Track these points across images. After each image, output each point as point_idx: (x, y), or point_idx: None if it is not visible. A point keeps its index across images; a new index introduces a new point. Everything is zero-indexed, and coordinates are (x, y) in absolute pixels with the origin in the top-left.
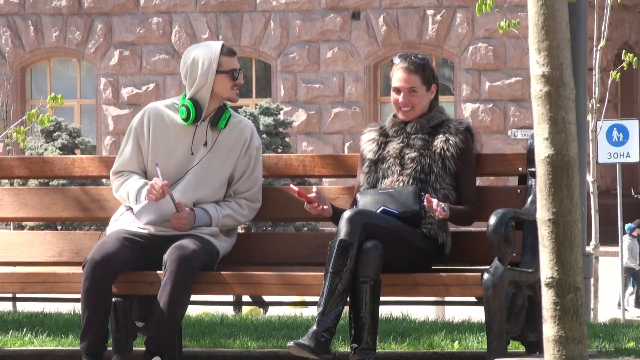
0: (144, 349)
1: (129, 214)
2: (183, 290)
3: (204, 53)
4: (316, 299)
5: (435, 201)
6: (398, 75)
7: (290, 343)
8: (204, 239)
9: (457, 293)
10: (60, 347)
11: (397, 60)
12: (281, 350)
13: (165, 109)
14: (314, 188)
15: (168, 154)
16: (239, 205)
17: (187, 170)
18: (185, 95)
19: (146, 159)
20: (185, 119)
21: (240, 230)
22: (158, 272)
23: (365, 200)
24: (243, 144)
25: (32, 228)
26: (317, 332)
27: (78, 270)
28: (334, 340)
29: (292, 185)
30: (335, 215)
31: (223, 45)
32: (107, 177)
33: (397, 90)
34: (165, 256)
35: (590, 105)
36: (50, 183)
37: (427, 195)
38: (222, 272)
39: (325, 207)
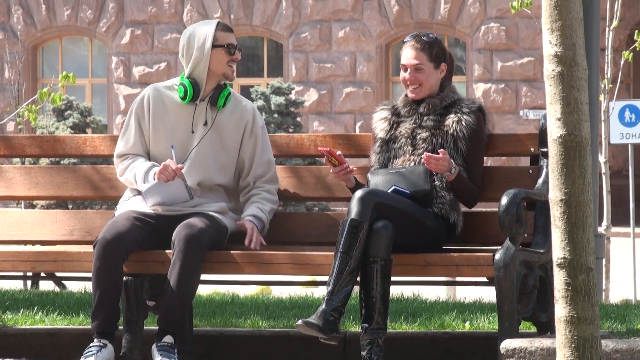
0: (156, 327)
1: (135, 198)
2: (192, 269)
3: (200, 29)
4: (327, 278)
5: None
6: (406, 52)
7: (299, 322)
8: (212, 217)
9: (469, 273)
10: (71, 326)
11: (407, 38)
12: (292, 329)
13: (164, 89)
14: (339, 152)
15: (169, 135)
16: (269, 192)
17: (189, 150)
18: (184, 75)
19: (148, 140)
20: (183, 98)
21: None
22: (167, 251)
23: (376, 180)
24: (245, 125)
25: (43, 207)
26: (325, 312)
27: (89, 249)
28: (343, 320)
29: (320, 148)
30: (356, 187)
31: (219, 21)
32: None
33: (405, 68)
34: (174, 235)
35: (602, 86)
36: (62, 162)
37: (441, 150)
38: (232, 252)
39: (354, 168)
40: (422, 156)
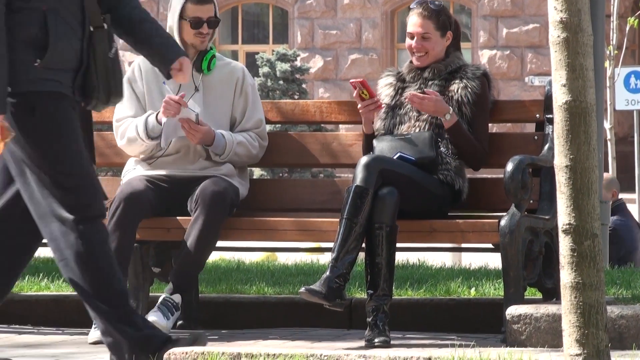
0: (160, 295)
1: (141, 166)
2: (215, 225)
3: (173, 0)
4: (332, 245)
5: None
6: (412, 20)
7: (302, 289)
8: (226, 180)
9: (474, 239)
10: (75, 292)
11: (413, 5)
12: (297, 296)
13: None
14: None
15: (162, 99)
16: (250, 136)
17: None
18: None
19: (144, 104)
20: None
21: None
22: (179, 218)
23: (381, 146)
24: (235, 84)
25: None
26: (329, 278)
27: None
28: (349, 286)
29: (352, 80)
30: (368, 138)
31: None
32: None
33: (411, 36)
34: (197, 193)
35: (607, 52)
36: None
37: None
38: (238, 218)
39: (383, 104)
40: (406, 95)
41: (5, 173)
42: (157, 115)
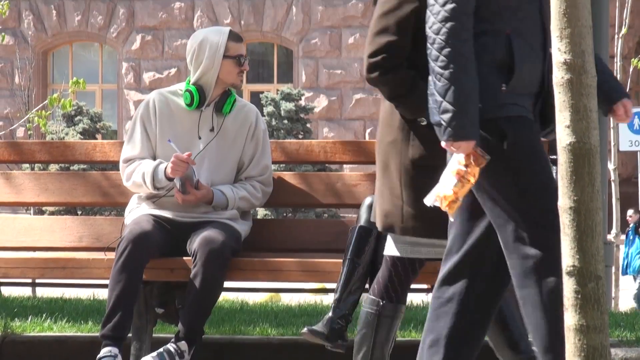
0: (164, 335)
1: (145, 204)
2: (216, 282)
3: (211, 37)
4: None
5: None
6: None
7: (304, 330)
8: (227, 225)
9: None
10: (79, 333)
11: None
12: (300, 337)
13: (169, 95)
14: None
15: (175, 140)
16: (254, 187)
17: (195, 156)
18: (189, 81)
19: (155, 145)
20: (189, 104)
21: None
22: (183, 258)
23: None
24: (249, 128)
25: (52, 213)
26: (332, 319)
27: (98, 255)
28: (353, 328)
29: None
30: None
31: (230, 30)
32: None
33: None
34: (195, 246)
35: None
36: (71, 168)
37: None
38: (241, 259)
39: None
40: None
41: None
42: (166, 168)
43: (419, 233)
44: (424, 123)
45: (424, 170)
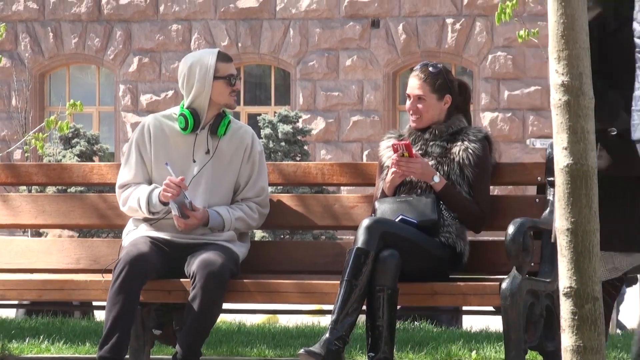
0: (161, 356)
1: (143, 225)
2: (214, 304)
3: (200, 60)
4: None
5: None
6: (411, 82)
7: (301, 351)
8: (225, 247)
9: (475, 302)
10: (77, 355)
11: (416, 67)
12: (298, 359)
13: (164, 119)
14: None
15: (171, 164)
16: (250, 208)
17: (190, 179)
18: (184, 105)
19: (150, 169)
20: (184, 128)
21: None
22: (182, 280)
23: (383, 208)
24: (245, 150)
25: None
26: (329, 340)
27: (95, 277)
28: (349, 349)
29: (395, 143)
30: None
31: (219, 51)
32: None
33: (409, 97)
34: (193, 268)
35: None
36: (68, 190)
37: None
38: (239, 280)
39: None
40: (392, 158)
41: None
42: (160, 193)
43: (613, 247)
44: (614, 133)
45: (612, 180)
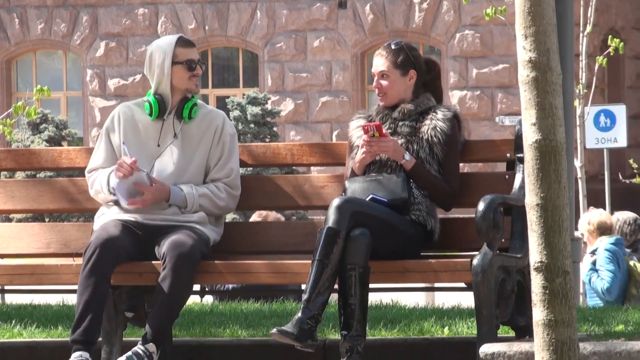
0: (134, 339)
1: (115, 208)
2: (184, 285)
3: (160, 47)
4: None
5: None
6: (374, 61)
7: (274, 330)
8: (196, 229)
9: (447, 279)
10: (49, 339)
11: (379, 48)
12: (271, 338)
13: (134, 107)
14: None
15: (139, 151)
16: (217, 187)
17: (152, 162)
18: (150, 92)
19: (119, 156)
20: (150, 114)
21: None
22: (154, 262)
23: (354, 188)
24: (214, 132)
25: (19, 220)
26: (301, 320)
27: (66, 261)
28: (322, 327)
29: (366, 124)
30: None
31: (180, 36)
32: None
33: (374, 75)
34: (164, 250)
35: (577, 91)
36: (38, 175)
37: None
38: (211, 262)
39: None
40: (362, 139)
41: None
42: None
43: None
44: None
45: None
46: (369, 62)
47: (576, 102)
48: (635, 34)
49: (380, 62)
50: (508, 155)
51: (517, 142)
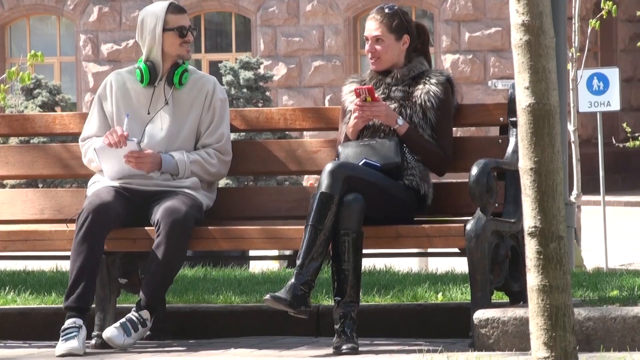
0: (128, 305)
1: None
2: (179, 251)
3: (151, 13)
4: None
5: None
6: (368, 25)
7: (267, 296)
8: (189, 195)
9: (440, 244)
10: (43, 305)
11: (372, 11)
12: (264, 304)
13: (126, 74)
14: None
15: (131, 118)
16: (208, 154)
17: (143, 129)
18: (142, 59)
19: (112, 124)
20: (141, 81)
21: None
22: (147, 228)
23: (347, 152)
24: (205, 98)
25: (13, 186)
26: (294, 285)
27: (60, 227)
28: (316, 293)
29: (358, 87)
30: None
31: (171, 3)
32: None
33: (367, 40)
34: (157, 216)
35: (570, 54)
36: (31, 141)
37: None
38: (204, 228)
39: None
40: (354, 103)
41: None
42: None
43: None
44: None
45: None
46: (362, 26)
47: (569, 66)
48: None
49: (374, 26)
50: (501, 119)
51: (510, 106)
